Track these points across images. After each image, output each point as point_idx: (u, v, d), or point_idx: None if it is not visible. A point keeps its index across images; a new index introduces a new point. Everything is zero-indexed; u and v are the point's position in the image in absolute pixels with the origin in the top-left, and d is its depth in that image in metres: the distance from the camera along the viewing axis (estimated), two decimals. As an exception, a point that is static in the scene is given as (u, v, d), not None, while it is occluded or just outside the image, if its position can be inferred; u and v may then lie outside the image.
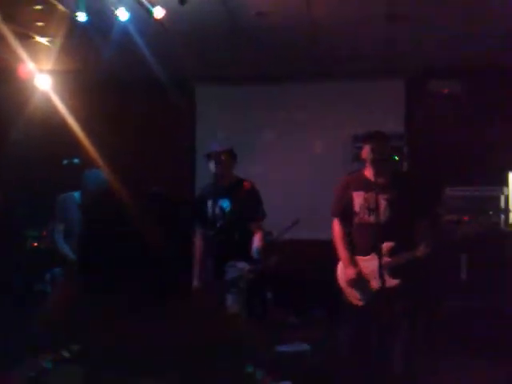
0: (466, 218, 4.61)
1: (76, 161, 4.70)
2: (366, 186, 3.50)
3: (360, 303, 3.47)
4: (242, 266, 3.79)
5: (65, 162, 4.73)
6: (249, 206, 3.92)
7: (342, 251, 3.59)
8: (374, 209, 3.39)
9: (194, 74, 5.76)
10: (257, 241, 3.81)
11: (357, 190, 3.54)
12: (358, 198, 3.51)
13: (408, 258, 3.33)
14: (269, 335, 4.00)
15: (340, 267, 3.61)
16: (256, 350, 3.47)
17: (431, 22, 4.35)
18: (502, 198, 4.87)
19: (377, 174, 3.46)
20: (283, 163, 5.88)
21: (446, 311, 4.61)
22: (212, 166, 3.95)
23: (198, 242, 4.12)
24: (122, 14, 3.93)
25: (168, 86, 5.44)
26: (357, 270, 3.48)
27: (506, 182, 5.02)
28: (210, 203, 3.96)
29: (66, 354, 2.97)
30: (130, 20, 3.99)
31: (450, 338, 4.33)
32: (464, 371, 3.94)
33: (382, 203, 3.37)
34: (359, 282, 3.46)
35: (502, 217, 4.81)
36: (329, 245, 3.77)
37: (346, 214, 3.61)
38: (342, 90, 5.79)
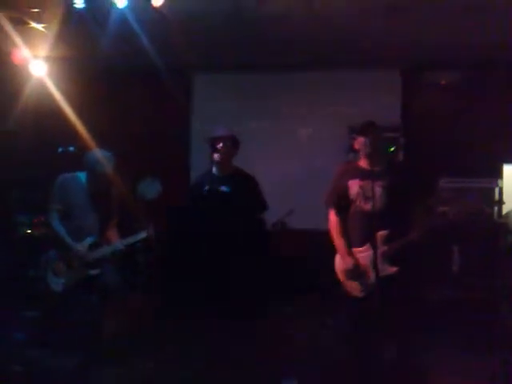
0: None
1: (71, 149, 4.64)
2: (361, 174, 3.52)
3: (360, 294, 3.47)
4: None
5: (60, 149, 4.68)
6: (252, 198, 3.86)
7: (338, 242, 3.59)
8: (370, 197, 3.40)
9: (192, 62, 5.71)
10: None
11: (353, 178, 3.55)
12: (354, 186, 3.52)
13: (402, 243, 3.35)
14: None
15: (338, 259, 3.61)
16: None
17: (430, 14, 4.35)
18: (496, 190, 4.91)
19: (372, 163, 3.49)
20: (279, 153, 5.86)
21: (437, 302, 4.64)
22: (212, 152, 3.82)
23: None
24: (120, 1, 3.91)
25: (165, 74, 5.39)
26: (354, 261, 3.48)
27: (500, 175, 5.06)
28: (206, 189, 3.88)
29: None
30: (127, 7, 3.97)
31: (439, 329, 4.36)
32: (452, 362, 3.98)
33: (378, 190, 3.39)
34: (358, 272, 3.47)
35: (496, 209, 4.86)
36: (323, 235, 3.77)
37: (340, 203, 3.60)
38: (338, 81, 5.77)
